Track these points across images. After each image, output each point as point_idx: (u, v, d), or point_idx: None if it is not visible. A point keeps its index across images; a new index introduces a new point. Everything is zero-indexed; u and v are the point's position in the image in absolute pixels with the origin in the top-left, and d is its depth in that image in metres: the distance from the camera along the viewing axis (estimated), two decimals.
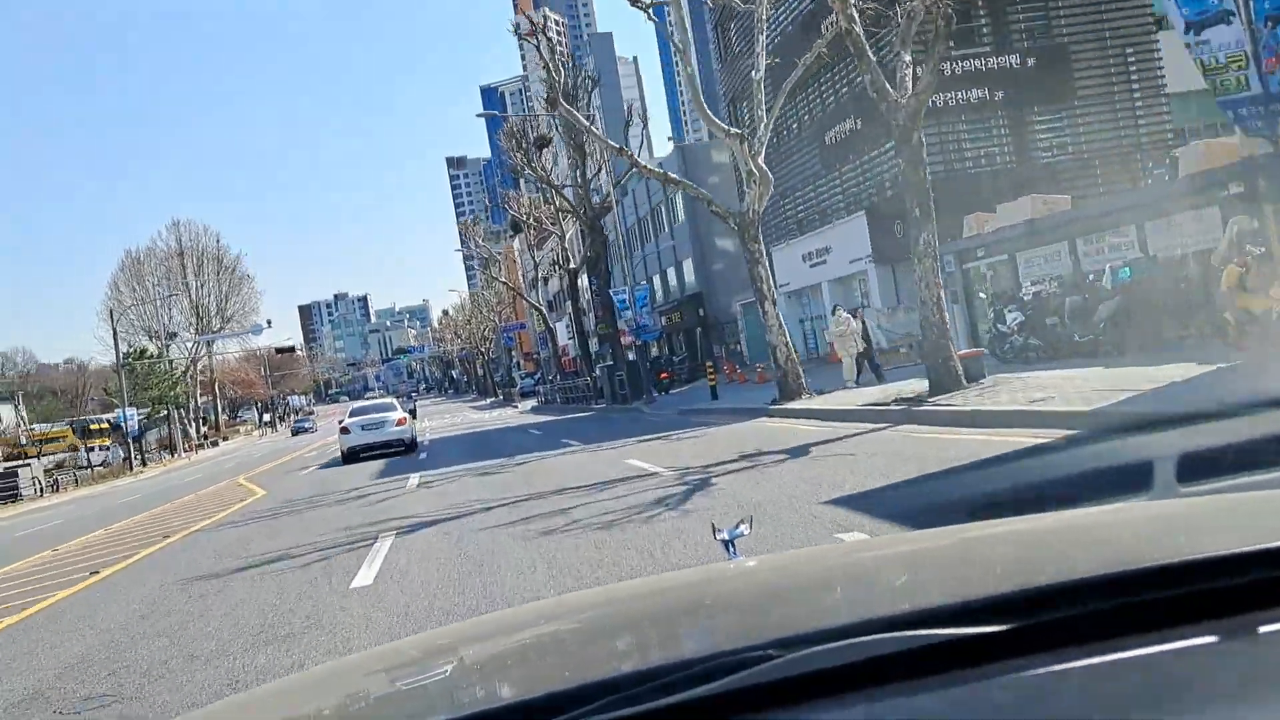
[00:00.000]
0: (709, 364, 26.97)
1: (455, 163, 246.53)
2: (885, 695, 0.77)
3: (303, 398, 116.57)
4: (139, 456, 48.41)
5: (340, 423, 23.79)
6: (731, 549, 1.81)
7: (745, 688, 0.77)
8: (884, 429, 11.43)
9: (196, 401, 76.17)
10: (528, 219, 44.04)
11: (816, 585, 1.24)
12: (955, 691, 0.77)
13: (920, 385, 13.54)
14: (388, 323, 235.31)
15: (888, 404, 12.78)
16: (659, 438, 15.62)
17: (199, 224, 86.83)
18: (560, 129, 32.01)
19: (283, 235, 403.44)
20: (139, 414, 51.99)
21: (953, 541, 1.38)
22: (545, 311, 47.66)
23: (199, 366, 76.55)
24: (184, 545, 11.43)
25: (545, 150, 35.02)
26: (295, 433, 65.11)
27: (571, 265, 38.28)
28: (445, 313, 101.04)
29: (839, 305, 22.16)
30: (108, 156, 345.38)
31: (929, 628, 0.81)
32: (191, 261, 75.38)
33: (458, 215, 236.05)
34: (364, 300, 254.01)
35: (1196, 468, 3.00)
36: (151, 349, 58.37)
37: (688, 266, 39.04)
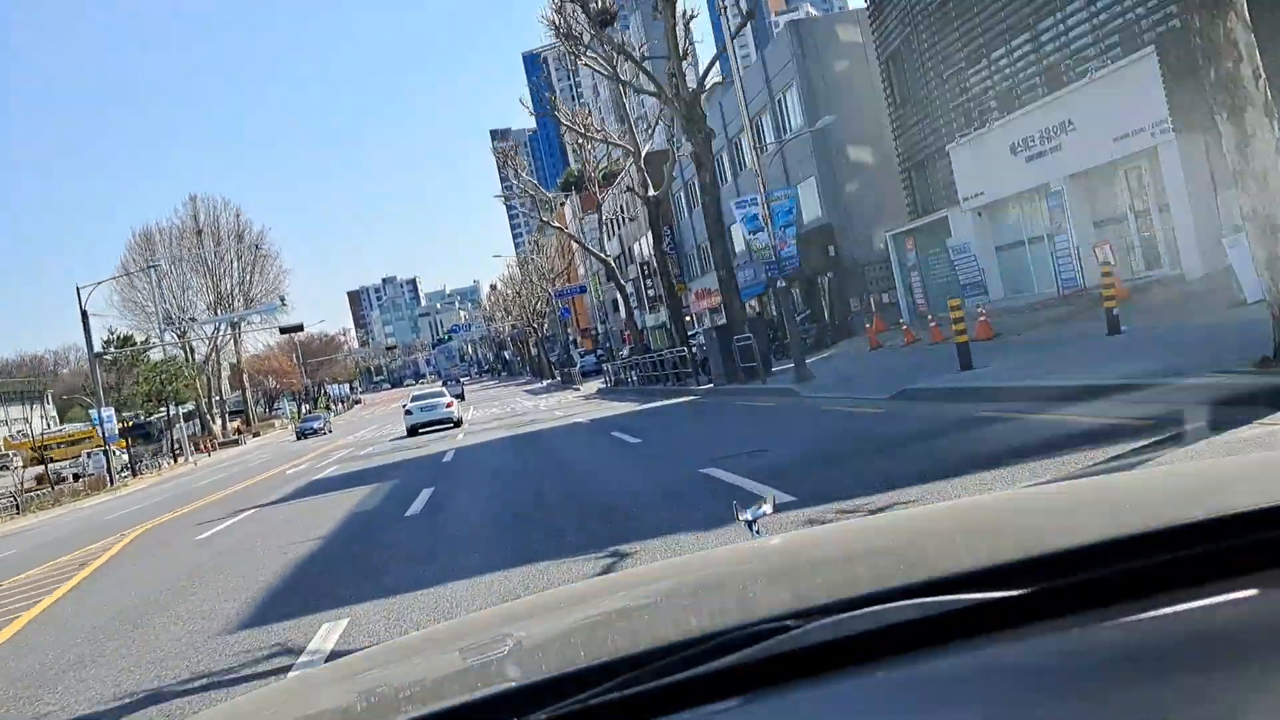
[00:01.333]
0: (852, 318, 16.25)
1: (499, 135, 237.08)
2: (908, 662, 0.76)
3: (343, 386, 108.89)
4: (127, 466, 39.98)
5: (404, 407, 29.19)
6: (754, 529, 1.78)
7: (763, 659, 0.77)
8: None
9: (222, 395, 68.28)
10: (584, 134, 33.81)
11: (836, 559, 1.23)
12: (981, 654, 0.76)
13: None
14: (438, 305, 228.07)
15: None
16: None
17: (217, 198, 78.24)
18: None
19: (330, 222, 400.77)
20: (142, 413, 43.66)
21: (984, 507, 1.34)
22: (611, 263, 37.24)
23: (221, 355, 68.65)
24: None
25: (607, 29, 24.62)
26: (300, 435, 49.75)
27: (651, 192, 27.86)
28: (493, 287, 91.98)
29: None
30: (143, 141, 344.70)
31: (951, 594, 0.81)
32: (210, 239, 67.14)
33: (504, 190, 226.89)
34: (413, 283, 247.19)
35: None
36: (141, 337, 49.49)
37: (809, 191, 28.30)
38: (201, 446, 58.55)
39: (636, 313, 70.06)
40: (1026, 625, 0.78)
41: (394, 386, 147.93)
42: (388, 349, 71.61)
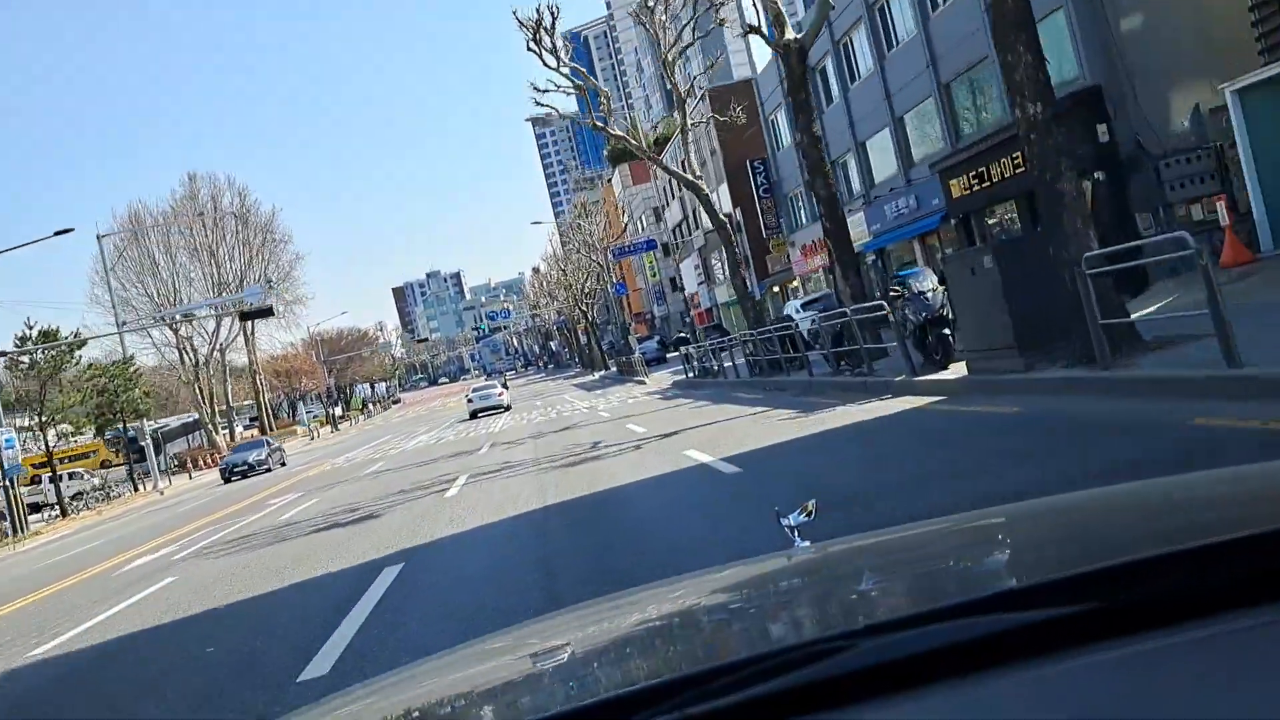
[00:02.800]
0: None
1: (540, 122, 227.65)
2: (967, 683, 0.73)
3: (379, 385, 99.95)
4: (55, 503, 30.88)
5: (467, 396, 38.25)
6: (795, 535, 1.75)
7: (822, 679, 0.75)
8: None
9: (228, 400, 59.46)
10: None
11: (887, 571, 1.20)
12: (1044, 672, 0.73)
13: None
14: (483, 299, 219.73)
15: None
16: None
17: (221, 176, 69.62)
18: None
19: (375, 219, 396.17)
20: (80, 428, 34.48)
21: (1033, 517, 1.32)
22: (705, 191, 26.27)
23: (228, 354, 59.78)
24: None
25: None
26: (226, 475, 32.96)
27: (790, 35, 16.77)
28: (535, 270, 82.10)
29: None
30: (185, 141, 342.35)
31: (1010, 610, 0.78)
32: (210, 220, 58.10)
33: (547, 179, 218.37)
34: (457, 277, 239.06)
35: None
36: (133, 339, 40.17)
37: (1055, 33, 16.74)
38: (202, 462, 49.84)
39: (702, 289, 59.21)
40: (1093, 642, 0.74)
41: (431, 384, 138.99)
42: (418, 341, 62.93)
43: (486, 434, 24.41)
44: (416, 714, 1.02)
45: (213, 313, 47.70)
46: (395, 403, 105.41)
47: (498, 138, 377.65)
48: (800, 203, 35.03)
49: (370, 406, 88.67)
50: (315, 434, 59.65)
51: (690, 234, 55.35)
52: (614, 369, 51.41)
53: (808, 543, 1.65)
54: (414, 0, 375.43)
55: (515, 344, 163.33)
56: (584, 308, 59.43)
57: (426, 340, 65.38)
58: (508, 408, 34.71)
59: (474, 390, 37.99)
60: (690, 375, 27.73)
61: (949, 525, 1.45)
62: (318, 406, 79.38)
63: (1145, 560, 0.83)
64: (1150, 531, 1.02)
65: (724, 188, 44.27)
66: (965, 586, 0.97)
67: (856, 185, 28.77)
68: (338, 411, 77.59)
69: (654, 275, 68.10)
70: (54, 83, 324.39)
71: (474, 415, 34.72)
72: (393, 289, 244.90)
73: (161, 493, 34.71)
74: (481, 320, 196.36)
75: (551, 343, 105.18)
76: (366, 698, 1.23)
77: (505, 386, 40.56)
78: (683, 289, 64.10)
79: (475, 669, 1.20)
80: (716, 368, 24.81)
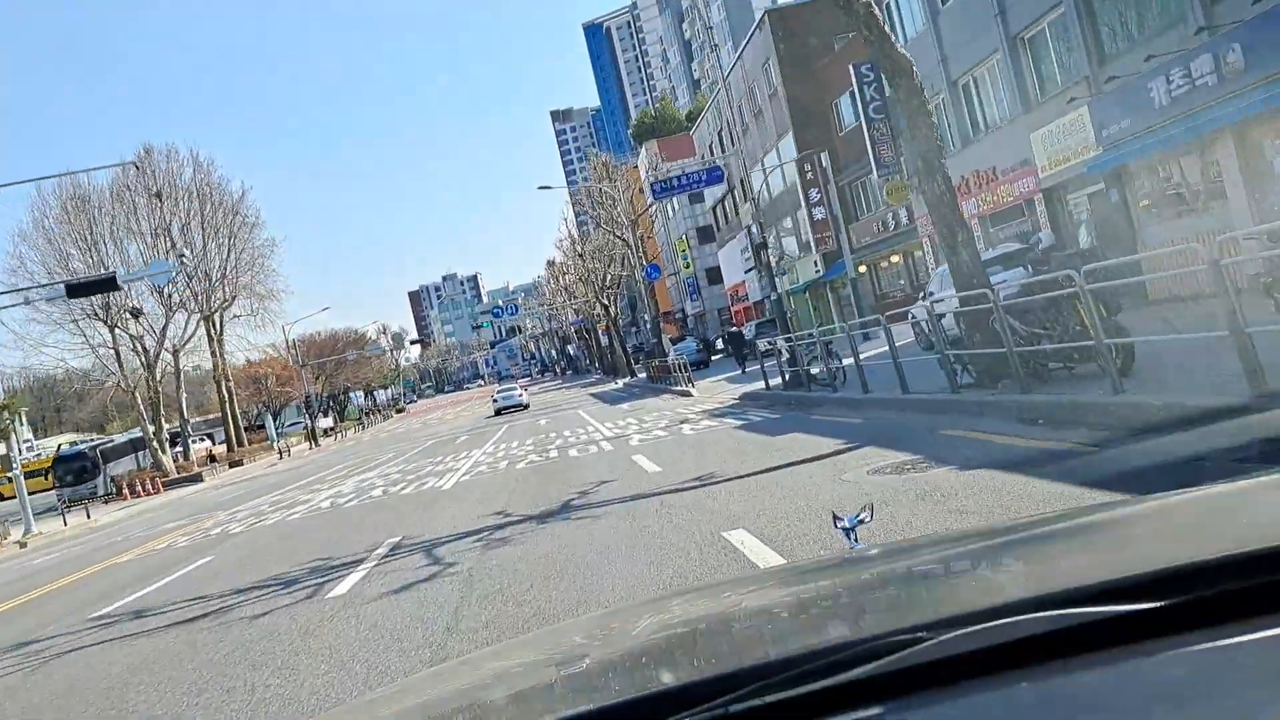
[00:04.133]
0: None
1: (560, 116, 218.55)
2: (1042, 675, 0.75)
3: (379, 393, 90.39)
4: None
5: (494, 397, 44.23)
6: (853, 537, 1.75)
7: (898, 671, 0.76)
8: None
9: (182, 410, 50.08)
10: None
11: (949, 569, 1.21)
12: (1119, 668, 0.75)
13: None
14: (499, 302, 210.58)
15: None
16: None
17: (182, 149, 60.68)
18: None
19: (393, 224, 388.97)
20: None
21: (1101, 520, 1.32)
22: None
23: (184, 358, 50.57)
24: None
25: None
26: None
27: None
28: (550, 263, 72.23)
29: None
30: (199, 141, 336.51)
31: (1080, 606, 0.79)
32: (163, 196, 48.84)
33: (567, 176, 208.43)
34: (474, 280, 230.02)
35: None
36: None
37: None
38: (141, 487, 40.48)
39: (751, 278, 48.89)
40: (1160, 639, 0.76)
41: (438, 391, 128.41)
42: (411, 343, 54.33)
43: (437, 490, 14.53)
44: (448, 713, 1.02)
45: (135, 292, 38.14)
46: (400, 411, 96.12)
47: (520, 143, 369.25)
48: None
49: (367, 416, 79.27)
50: (287, 452, 50.03)
51: (739, 209, 45.32)
52: (642, 375, 41.33)
53: (864, 545, 1.62)
54: (444, 6, 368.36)
55: (533, 349, 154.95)
56: (605, 301, 49.42)
57: (420, 342, 57.15)
58: (526, 405, 41.15)
59: (499, 391, 44.94)
60: (771, 386, 17.66)
61: (1001, 529, 1.39)
62: (272, 419, 70.01)
63: (1216, 561, 0.83)
64: (1228, 533, 1.01)
65: (788, 140, 34.06)
66: (1027, 585, 0.98)
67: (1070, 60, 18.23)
68: (324, 423, 68.09)
69: (688, 266, 57.92)
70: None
71: (499, 412, 40.72)
72: (409, 293, 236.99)
73: (23, 544, 25.04)
74: (500, 328, 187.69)
75: (569, 346, 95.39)
76: (396, 697, 1.18)
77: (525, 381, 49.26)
78: (722, 281, 54.00)
79: (547, 656, 1.21)
80: (830, 373, 14.71)
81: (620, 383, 45.50)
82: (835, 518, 1.84)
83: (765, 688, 0.76)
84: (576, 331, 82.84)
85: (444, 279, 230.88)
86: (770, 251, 20.93)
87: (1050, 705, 0.72)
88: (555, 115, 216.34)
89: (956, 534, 1.44)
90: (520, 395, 42.90)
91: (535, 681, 1.06)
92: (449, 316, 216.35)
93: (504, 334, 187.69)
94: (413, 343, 62.34)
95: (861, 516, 1.77)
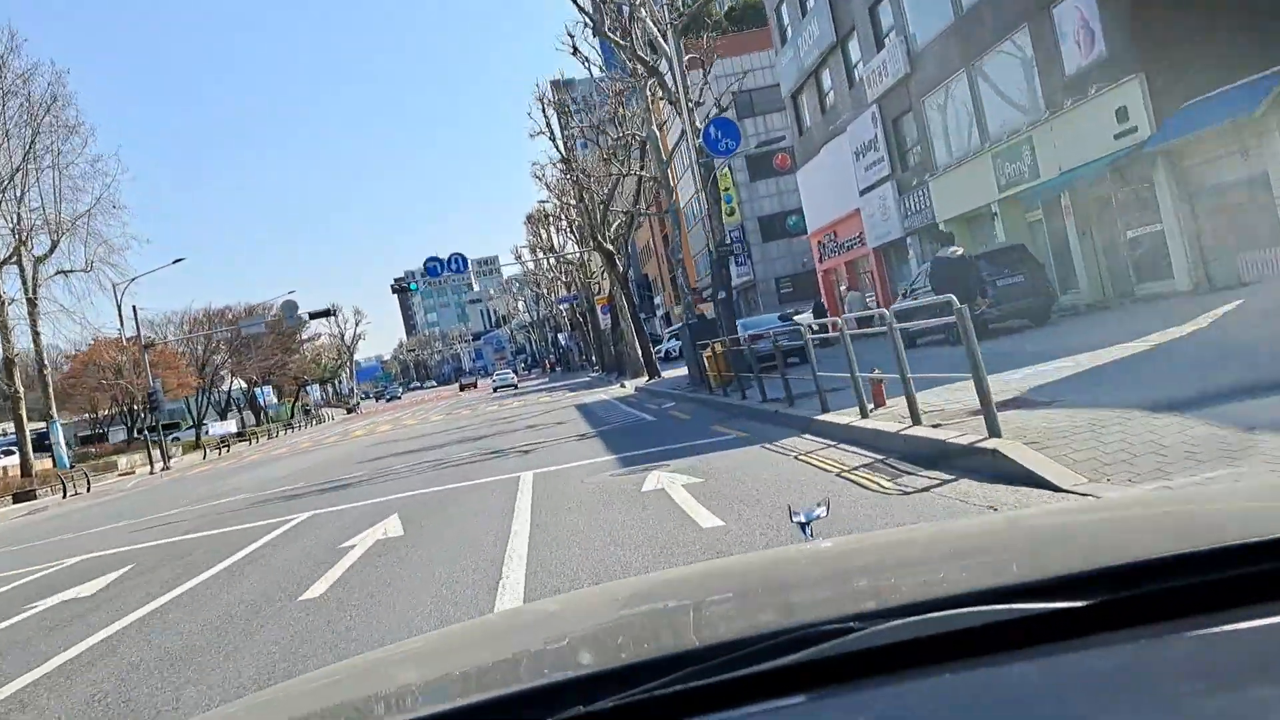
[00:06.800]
0: None
1: (558, 88, 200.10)
2: (971, 667, 0.76)
3: (312, 390, 71.95)
4: None
5: (492, 380, 64.82)
6: (808, 531, 1.77)
7: (825, 659, 0.77)
8: None
9: None
10: None
11: (894, 563, 1.22)
12: (1044, 663, 0.76)
13: None
14: (491, 291, 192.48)
15: None
16: None
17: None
18: None
19: (384, 212, 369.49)
20: None
21: (1043, 518, 1.32)
22: None
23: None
24: None
25: None
26: None
27: None
28: (528, 219, 53.72)
29: None
30: (182, 137, 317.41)
31: (1014, 602, 0.81)
32: None
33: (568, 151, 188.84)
34: (460, 260, 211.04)
35: None
36: None
37: None
38: None
39: (881, 194, 28.50)
40: (1089, 637, 0.78)
41: (388, 399, 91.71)
42: (312, 315, 39.39)
43: None
44: (439, 681, 1.03)
45: None
46: (350, 411, 77.87)
47: (513, 120, 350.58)
48: None
49: (306, 417, 61.30)
50: (75, 487, 30.79)
51: (857, 81, 26.38)
52: (670, 374, 23.20)
53: (818, 538, 1.61)
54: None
55: (522, 340, 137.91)
56: (611, 244, 31.19)
57: (327, 313, 43.10)
58: (516, 387, 54.85)
59: (496, 375, 62.56)
60: None
61: (956, 527, 1.41)
62: (131, 427, 51.56)
63: (1147, 562, 0.84)
64: (1161, 535, 1.03)
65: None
66: (966, 580, 0.98)
67: None
68: (219, 429, 49.89)
69: (731, 213, 39.32)
70: None
71: (495, 389, 53.81)
72: (394, 279, 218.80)
73: None
74: (490, 317, 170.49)
75: (561, 335, 77.19)
76: (386, 666, 1.20)
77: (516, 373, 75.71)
78: (783, 233, 35.89)
79: (485, 640, 1.21)
80: None
81: (629, 386, 27.35)
82: (791, 512, 1.84)
83: (691, 674, 0.76)
84: (570, 316, 64.79)
85: (426, 264, 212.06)
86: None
87: (975, 697, 0.73)
88: (553, 86, 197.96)
89: (906, 531, 1.41)
90: (513, 378, 60.34)
91: (458, 668, 1.05)
92: (433, 304, 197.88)
93: (492, 324, 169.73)
94: (313, 315, 43.19)
95: (818, 511, 1.77)
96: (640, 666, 0.80)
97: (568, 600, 1.48)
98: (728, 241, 19.31)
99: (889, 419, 8.03)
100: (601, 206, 31.92)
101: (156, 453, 35.49)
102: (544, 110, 31.67)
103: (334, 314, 59.46)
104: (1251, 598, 0.78)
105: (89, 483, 29.62)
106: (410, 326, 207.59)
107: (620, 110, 29.23)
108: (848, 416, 8.83)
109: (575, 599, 1.48)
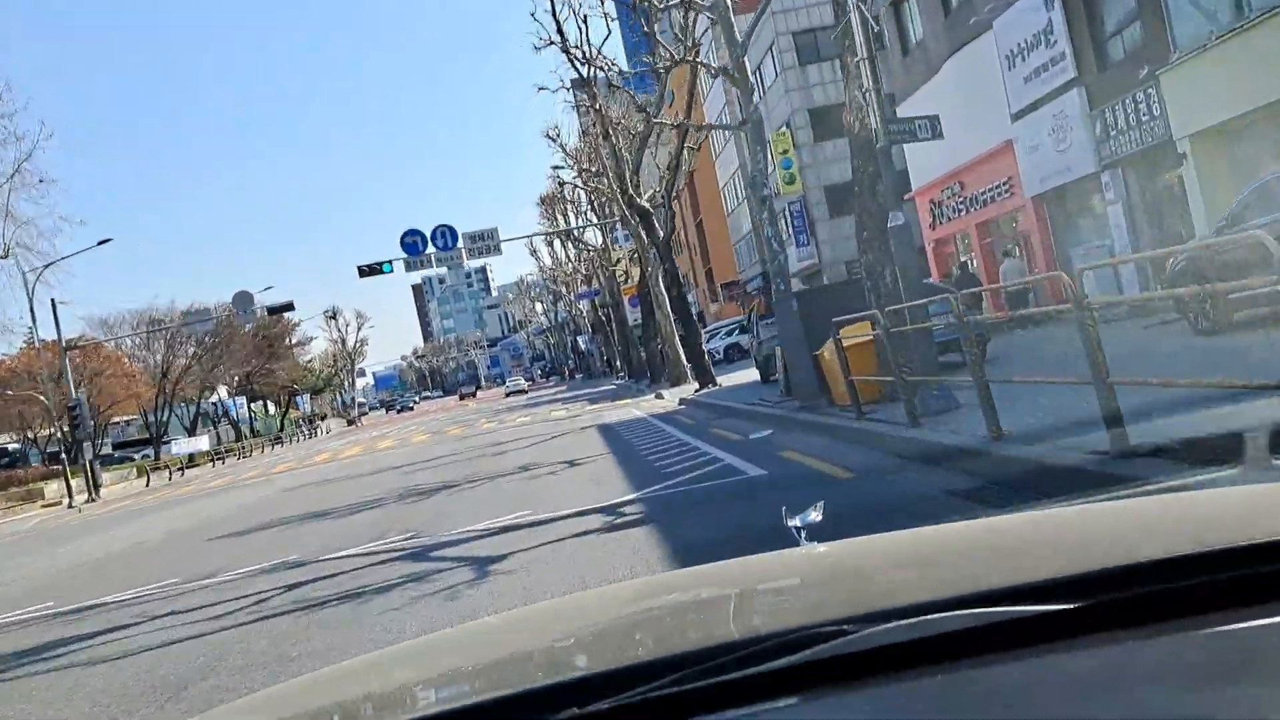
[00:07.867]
0: None
1: (578, 83, 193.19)
2: (960, 670, 0.77)
3: (301, 401, 65.02)
4: None
5: (505, 386, 77.27)
6: (801, 535, 1.73)
7: (817, 661, 0.78)
8: None
9: None
10: None
11: (886, 567, 1.23)
12: (1031, 666, 0.77)
13: None
14: (509, 296, 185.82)
15: None
16: None
17: None
18: None
19: (381, 210, 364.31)
20: None
21: (1031, 523, 1.37)
22: None
23: None
24: None
25: None
26: None
27: None
28: (542, 200, 46.46)
29: None
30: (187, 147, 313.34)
31: (1005, 606, 0.82)
32: None
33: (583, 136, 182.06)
34: (482, 271, 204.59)
35: None
36: None
37: None
38: None
39: (1070, 100, 20.18)
40: (1076, 639, 0.78)
41: (399, 410, 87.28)
42: (271, 311, 33.82)
43: None
44: (441, 681, 1.03)
45: None
46: (351, 424, 71.06)
47: (530, 115, 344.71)
48: None
49: (301, 428, 54.54)
50: None
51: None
52: (752, 390, 15.90)
53: (814, 542, 1.64)
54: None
55: (541, 346, 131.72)
56: (644, 201, 23.84)
57: (287, 307, 37.85)
58: (526, 391, 62.69)
59: (509, 381, 69.29)
60: None
61: (955, 529, 1.45)
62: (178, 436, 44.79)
63: (1131, 566, 0.85)
64: (1145, 539, 1.04)
65: None
66: (959, 583, 0.98)
67: None
68: (189, 447, 43.09)
69: (791, 183, 31.69)
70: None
71: (508, 395, 57.16)
72: (413, 287, 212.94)
73: None
74: (506, 323, 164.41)
75: (581, 338, 70.01)
76: (391, 667, 1.21)
77: (528, 380, 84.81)
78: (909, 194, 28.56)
79: (483, 645, 1.21)
80: None
81: (669, 398, 19.98)
82: (785, 514, 1.77)
83: (686, 676, 0.77)
84: (590, 316, 57.66)
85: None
86: None
87: (968, 699, 0.74)
88: (575, 83, 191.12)
89: (902, 535, 1.44)
90: (523, 384, 71.52)
91: (455, 670, 1.05)
92: (449, 310, 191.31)
93: (509, 329, 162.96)
94: (272, 311, 36.16)
95: (812, 515, 1.73)
96: (636, 669, 0.80)
97: (565, 603, 1.47)
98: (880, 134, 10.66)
99: None
100: (635, 153, 24.59)
101: (79, 481, 28.69)
102: (553, 9, 24.08)
103: (335, 316, 52.63)
104: (1240, 600, 0.79)
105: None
106: (427, 333, 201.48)
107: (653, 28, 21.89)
108: None
109: (573, 602, 1.50)
